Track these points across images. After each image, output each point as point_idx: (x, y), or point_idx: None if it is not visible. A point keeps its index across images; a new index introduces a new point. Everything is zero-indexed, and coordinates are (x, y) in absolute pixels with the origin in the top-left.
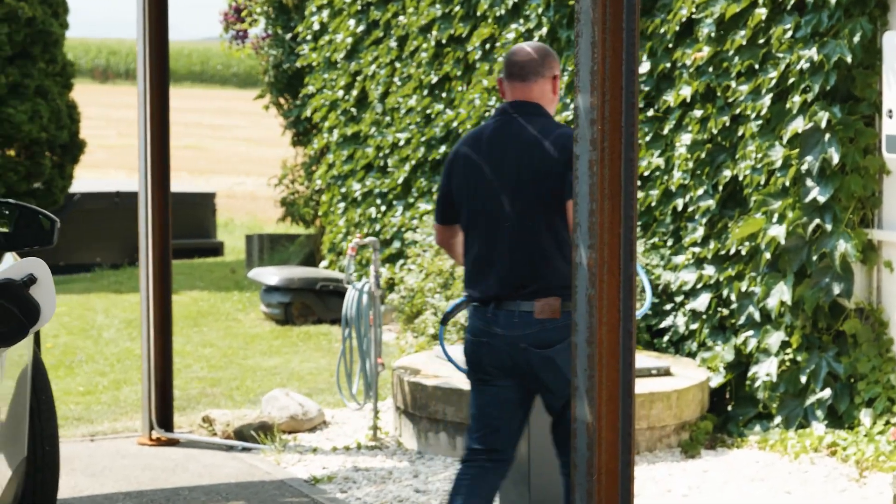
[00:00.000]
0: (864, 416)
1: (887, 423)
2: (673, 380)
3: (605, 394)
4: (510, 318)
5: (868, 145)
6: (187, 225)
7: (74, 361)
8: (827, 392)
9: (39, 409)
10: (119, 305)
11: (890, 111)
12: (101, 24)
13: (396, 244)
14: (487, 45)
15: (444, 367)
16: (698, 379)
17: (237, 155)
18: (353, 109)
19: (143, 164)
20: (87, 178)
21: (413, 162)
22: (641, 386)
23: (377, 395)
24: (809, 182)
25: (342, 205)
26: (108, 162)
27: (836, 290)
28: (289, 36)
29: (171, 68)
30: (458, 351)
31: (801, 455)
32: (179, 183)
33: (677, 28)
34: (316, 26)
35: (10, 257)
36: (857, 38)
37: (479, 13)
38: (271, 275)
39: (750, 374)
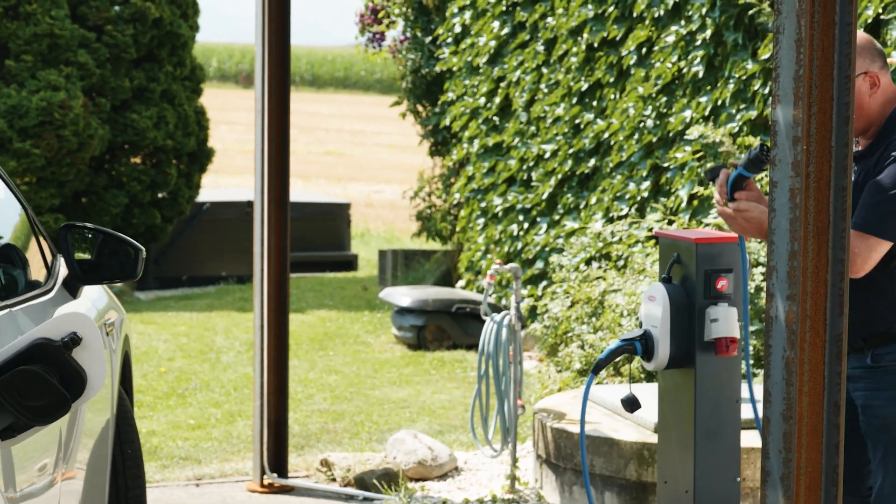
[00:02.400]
0: None
1: None
2: None
3: (805, 482)
4: None
5: None
6: (321, 237)
7: (188, 389)
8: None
9: (125, 464)
10: (241, 325)
11: None
12: (245, 30)
13: (539, 265)
14: (644, 49)
15: (592, 412)
16: None
17: (378, 162)
18: (495, 118)
19: (260, 175)
20: (225, 186)
21: (559, 176)
22: None
23: (516, 440)
24: None
25: (481, 220)
26: (248, 168)
27: None
28: (428, 39)
29: (314, 74)
30: (609, 392)
31: None
32: (317, 189)
33: (861, 30)
34: (457, 28)
35: (96, 292)
36: None
37: (635, 14)
38: (404, 295)
39: None
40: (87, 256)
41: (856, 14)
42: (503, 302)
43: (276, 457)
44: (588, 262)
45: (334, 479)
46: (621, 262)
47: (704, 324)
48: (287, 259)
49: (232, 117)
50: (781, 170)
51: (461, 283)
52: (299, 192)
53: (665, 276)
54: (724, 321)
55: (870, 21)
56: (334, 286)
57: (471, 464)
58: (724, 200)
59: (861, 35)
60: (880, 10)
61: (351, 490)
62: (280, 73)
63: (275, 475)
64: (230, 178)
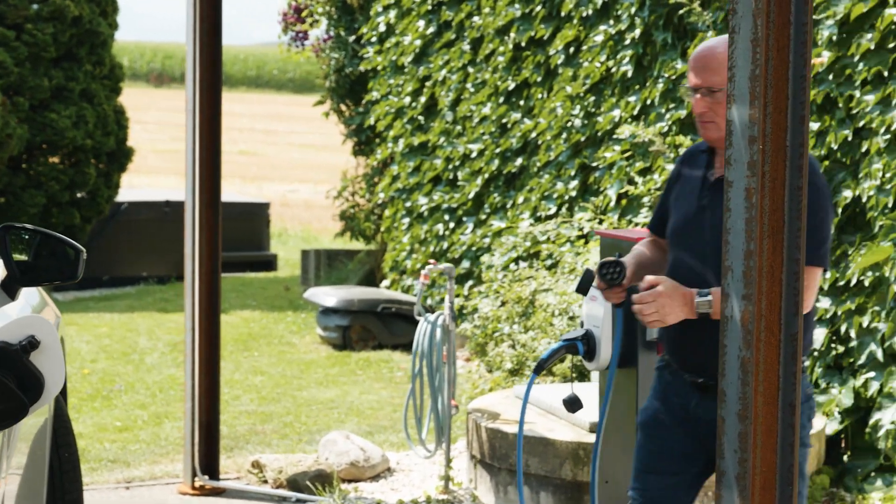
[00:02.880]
0: None
1: None
2: None
3: (759, 482)
4: None
5: None
6: (240, 237)
7: (113, 391)
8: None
9: (62, 468)
10: (164, 326)
11: None
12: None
13: (465, 264)
14: (571, 49)
15: (527, 412)
16: (816, 427)
17: (291, 161)
18: (420, 117)
19: (191, 176)
20: (138, 186)
21: (486, 175)
22: None
23: (450, 440)
24: None
25: (407, 220)
26: (161, 168)
27: None
28: (352, 38)
29: (226, 73)
30: (542, 392)
31: None
32: (232, 189)
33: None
34: (382, 27)
35: (32, 294)
36: None
37: (563, 13)
38: (329, 295)
39: (872, 421)
40: (23, 257)
41: (811, 14)
42: (429, 302)
43: (208, 459)
44: (516, 262)
45: (266, 481)
46: (550, 262)
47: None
48: (219, 260)
49: (144, 117)
50: (737, 169)
51: (386, 282)
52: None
53: None
54: None
55: None
56: (256, 286)
57: (403, 464)
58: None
59: None
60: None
61: (283, 492)
62: (211, 73)
63: (206, 477)
64: (143, 177)
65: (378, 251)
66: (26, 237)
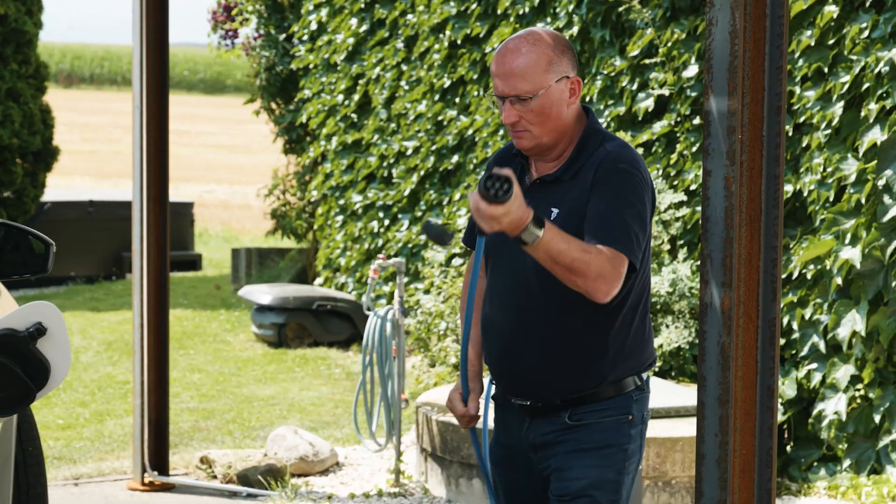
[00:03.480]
0: None
1: None
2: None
3: (739, 465)
4: None
5: None
6: None
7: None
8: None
9: (26, 462)
10: (97, 325)
11: None
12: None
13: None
14: None
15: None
16: None
17: (205, 162)
18: (353, 115)
19: (139, 175)
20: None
21: (422, 172)
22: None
23: (400, 434)
24: (888, 199)
25: (340, 218)
26: (73, 168)
27: None
28: (282, 36)
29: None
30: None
31: None
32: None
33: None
34: (313, 26)
35: None
36: None
37: (499, 11)
38: (264, 293)
39: (815, 411)
40: None
41: (787, 6)
42: (363, 299)
43: (157, 455)
44: (451, 258)
45: (215, 477)
46: None
47: None
48: (167, 257)
49: (56, 117)
50: (716, 159)
51: (319, 280)
52: (113, 192)
53: None
54: None
55: None
56: (186, 285)
57: (351, 459)
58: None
59: (558, 35)
60: None
61: (234, 487)
62: (158, 74)
63: (155, 473)
64: (58, 178)
65: (310, 249)
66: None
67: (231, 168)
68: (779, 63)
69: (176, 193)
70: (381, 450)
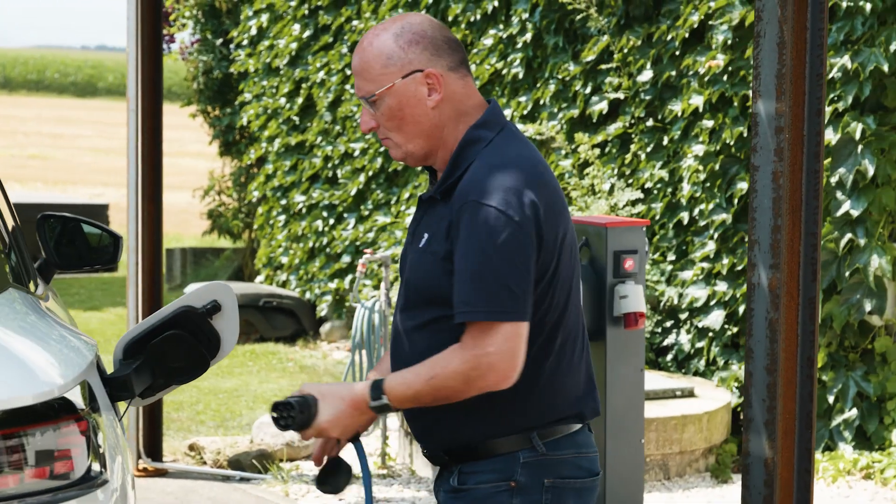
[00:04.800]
0: None
1: None
2: (701, 401)
3: (782, 427)
4: None
5: None
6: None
7: None
8: (854, 412)
9: None
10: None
11: None
12: None
13: (346, 258)
14: None
15: None
16: (724, 400)
17: (84, 165)
18: (296, 118)
19: (134, 171)
20: None
21: (370, 173)
22: (670, 408)
23: (385, 419)
24: (840, 195)
25: (283, 217)
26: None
27: (868, 306)
28: (219, 41)
29: (5, 76)
30: None
31: (838, 479)
32: (37, 193)
33: (686, 35)
34: (253, 31)
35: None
36: (893, 47)
37: (450, 18)
38: None
39: None
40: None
41: (826, 21)
42: (307, 295)
43: (151, 442)
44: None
45: (205, 463)
46: None
47: (614, 300)
48: (161, 252)
49: None
50: (763, 156)
51: (260, 278)
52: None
53: None
54: (633, 297)
55: (695, 26)
56: (119, 284)
57: None
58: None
59: (421, 22)
60: (705, 16)
61: (228, 472)
62: (152, 78)
63: (149, 460)
64: None
65: (246, 248)
66: (60, 225)
67: (110, 171)
68: (819, 70)
69: (65, 197)
70: (367, 434)
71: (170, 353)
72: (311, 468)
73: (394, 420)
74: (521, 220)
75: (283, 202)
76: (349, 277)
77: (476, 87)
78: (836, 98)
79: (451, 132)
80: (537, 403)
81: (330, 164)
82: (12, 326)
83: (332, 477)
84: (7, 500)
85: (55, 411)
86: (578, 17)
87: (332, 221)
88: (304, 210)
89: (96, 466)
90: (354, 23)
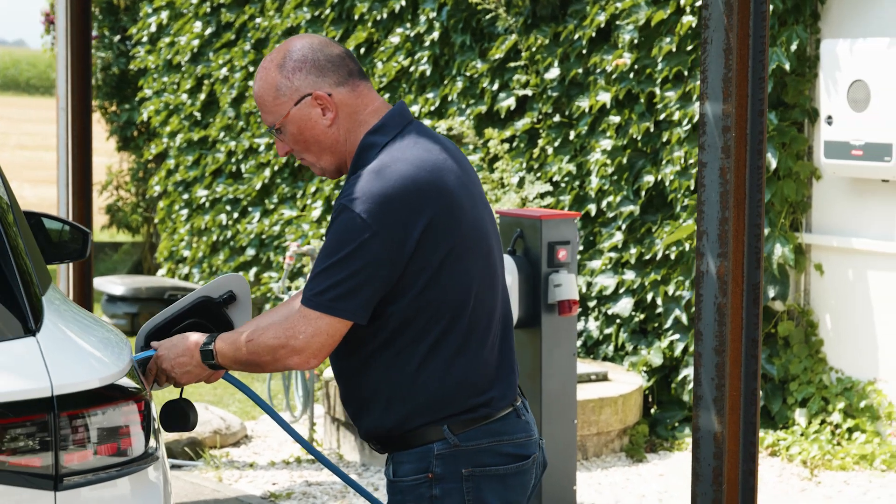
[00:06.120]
0: (800, 416)
1: (823, 422)
2: (616, 385)
3: (729, 403)
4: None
5: (799, 151)
6: None
7: None
8: (759, 393)
9: None
10: None
11: (829, 118)
12: None
13: (251, 252)
14: (363, 49)
15: None
16: (637, 384)
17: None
18: (198, 114)
19: (64, 169)
20: None
21: (275, 167)
22: (588, 391)
23: (313, 405)
24: None
25: (185, 212)
26: None
27: (772, 293)
28: (117, 38)
29: None
30: None
31: None
32: None
33: (593, 34)
34: (153, 28)
35: None
36: (793, 46)
37: (355, 16)
38: (116, 284)
39: (679, 377)
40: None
41: (767, 28)
42: (200, 283)
43: None
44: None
45: None
46: None
47: (549, 289)
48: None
49: None
50: (711, 153)
51: (162, 271)
52: None
53: (510, 248)
54: (566, 286)
55: (602, 26)
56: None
57: (258, 431)
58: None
59: (301, 48)
60: (611, 16)
61: None
62: (82, 77)
63: None
64: None
65: (145, 243)
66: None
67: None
68: (761, 74)
69: None
70: (296, 420)
71: None
72: (240, 455)
73: (320, 407)
74: (378, 227)
75: (186, 196)
76: (254, 270)
77: (374, 91)
78: None
79: (353, 142)
80: (440, 397)
81: (233, 159)
82: (67, 318)
83: (176, 417)
84: (80, 473)
85: (118, 392)
86: (487, 16)
87: (236, 215)
88: (207, 204)
89: (152, 443)
90: (258, 20)
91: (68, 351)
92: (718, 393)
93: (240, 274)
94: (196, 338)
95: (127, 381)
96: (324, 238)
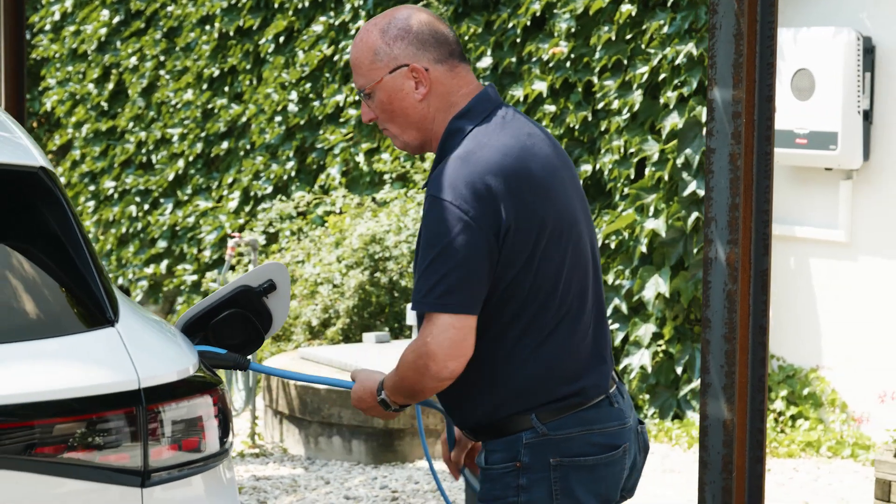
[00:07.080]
0: None
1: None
2: None
3: (737, 391)
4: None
5: None
6: None
7: None
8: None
9: None
10: None
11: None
12: None
13: (163, 244)
14: (282, 38)
15: (322, 371)
16: None
17: None
18: (105, 104)
19: None
20: None
21: (190, 158)
22: None
23: (255, 400)
24: (686, 176)
25: (92, 203)
26: None
27: None
28: None
29: None
30: (329, 352)
31: (693, 445)
32: None
33: (528, 23)
34: (56, 16)
35: None
36: None
37: (275, 4)
38: None
39: (620, 366)
40: None
41: (776, 14)
42: (119, 281)
43: None
44: (223, 239)
45: None
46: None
47: None
48: None
49: None
50: (720, 139)
51: None
52: None
53: None
54: None
55: (538, 14)
56: None
57: None
58: None
59: (407, 17)
60: (546, 5)
61: None
62: (15, 74)
63: None
64: None
65: None
66: None
67: None
68: (769, 59)
69: None
70: (238, 415)
71: (228, 330)
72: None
73: (260, 400)
74: (474, 214)
75: (92, 188)
76: (165, 262)
77: (472, 75)
78: (680, 84)
79: (441, 123)
80: (528, 385)
81: (144, 150)
82: (140, 315)
83: None
84: (165, 469)
85: (196, 385)
86: (421, 3)
87: (146, 207)
88: (115, 196)
89: (230, 437)
90: (170, 8)
91: (147, 342)
92: (728, 380)
93: (281, 263)
94: (371, 385)
95: (199, 374)
96: (417, 235)
